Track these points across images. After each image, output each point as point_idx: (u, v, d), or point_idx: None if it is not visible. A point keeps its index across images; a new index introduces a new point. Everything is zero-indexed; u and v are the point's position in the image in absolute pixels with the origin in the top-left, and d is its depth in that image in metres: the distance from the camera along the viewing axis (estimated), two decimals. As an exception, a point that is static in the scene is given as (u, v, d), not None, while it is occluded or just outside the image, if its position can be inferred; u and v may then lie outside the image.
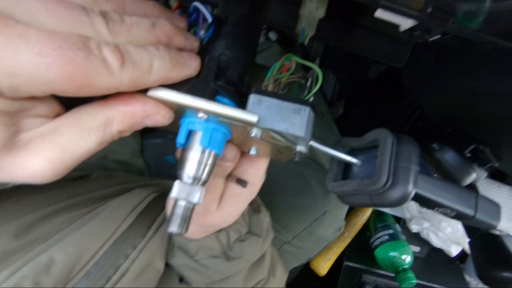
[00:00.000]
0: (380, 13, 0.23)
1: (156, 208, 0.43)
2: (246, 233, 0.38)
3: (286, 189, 0.61)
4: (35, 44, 0.14)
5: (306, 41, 0.32)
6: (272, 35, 0.98)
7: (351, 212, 0.90)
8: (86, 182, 0.47)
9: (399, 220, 0.92)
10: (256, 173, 0.31)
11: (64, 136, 0.17)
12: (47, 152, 0.17)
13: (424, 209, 0.83)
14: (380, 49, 0.40)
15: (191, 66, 0.21)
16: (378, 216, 0.90)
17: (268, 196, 0.58)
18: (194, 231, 0.35)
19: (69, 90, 0.15)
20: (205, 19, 0.28)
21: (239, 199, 0.32)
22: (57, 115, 0.18)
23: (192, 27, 0.29)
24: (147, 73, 0.18)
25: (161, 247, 0.38)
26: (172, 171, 0.65)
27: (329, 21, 0.34)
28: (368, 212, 0.90)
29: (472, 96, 0.33)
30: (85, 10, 0.16)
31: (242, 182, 0.30)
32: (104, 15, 0.17)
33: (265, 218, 0.41)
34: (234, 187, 0.31)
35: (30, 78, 0.14)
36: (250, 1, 0.26)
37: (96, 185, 0.46)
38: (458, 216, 0.26)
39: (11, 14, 0.14)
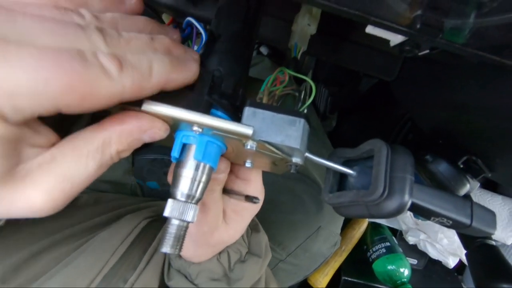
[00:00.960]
0: (370, 29, 0.24)
1: (148, 235, 0.42)
2: (246, 254, 0.38)
3: (278, 206, 0.60)
4: (31, 61, 0.14)
5: (299, 56, 0.33)
6: (264, 50, 1.00)
7: (347, 225, 0.89)
8: (75, 211, 0.46)
9: (395, 232, 0.91)
10: (257, 186, 0.30)
11: (62, 164, 0.17)
12: (46, 183, 0.16)
13: (420, 221, 0.83)
14: (371, 63, 0.41)
15: (191, 69, 0.21)
16: (374, 229, 0.90)
17: (260, 213, 0.57)
18: (202, 253, 0.34)
19: (73, 103, 0.15)
20: (198, 34, 0.28)
21: (244, 214, 0.32)
22: (53, 145, 0.17)
23: (185, 42, 0.29)
24: (147, 75, 0.17)
25: (154, 278, 0.37)
26: (164, 186, 0.64)
27: (321, 36, 0.35)
28: (364, 224, 0.89)
29: (463, 109, 0.33)
30: (82, 27, 0.16)
31: (252, 199, 0.30)
32: (101, 30, 0.17)
33: (263, 237, 0.40)
34: (236, 203, 0.31)
35: (31, 96, 0.14)
36: (243, 17, 0.27)
37: (85, 214, 0.45)
38: (455, 225, 0.25)
39: (6, 36, 0.14)
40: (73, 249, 0.38)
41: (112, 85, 0.16)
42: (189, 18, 0.28)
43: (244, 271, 0.35)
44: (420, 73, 0.42)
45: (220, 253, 0.35)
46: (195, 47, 0.27)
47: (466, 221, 0.25)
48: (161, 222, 0.47)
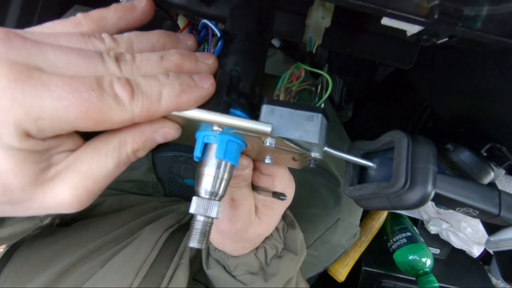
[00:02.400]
0: (386, 21, 0.24)
1: (170, 250, 0.43)
2: (282, 249, 0.39)
3: (296, 199, 0.61)
4: (55, 90, 0.16)
5: (314, 50, 0.33)
6: (276, 42, 0.99)
7: (367, 215, 0.88)
8: (98, 222, 0.48)
9: (416, 221, 0.90)
10: (283, 181, 0.31)
11: (84, 164, 0.19)
12: (71, 180, 0.18)
13: (442, 210, 0.81)
14: (387, 53, 0.40)
15: (203, 87, 0.21)
16: (394, 219, 0.89)
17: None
18: (240, 248, 0.36)
19: (88, 126, 0.17)
20: (214, 35, 0.29)
21: (275, 207, 0.33)
22: (79, 147, 0.20)
23: (201, 44, 0.30)
24: (157, 102, 0.19)
25: None
26: (185, 184, 0.66)
27: (335, 29, 0.34)
28: (384, 215, 0.88)
29: (484, 96, 0.32)
30: (101, 57, 0.18)
31: (279, 195, 0.31)
32: (117, 58, 0.19)
33: (299, 234, 0.41)
34: (266, 198, 0.32)
35: (52, 120, 0.17)
36: (257, 17, 0.27)
37: (108, 224, 0.46)
38: (482, 215, 0.25)
39: (37, 65, 0.17)
40: (97, 265, 0.40)
41: (124, 113, 0.18)
42: (205, 20, 0.28)
43: (280, 267, 0.37)
44: (438, 60, 0.40)
45: (257, 248, 0.36)
46: (212, 49, 0.27)
47: (494, 210, 0.24)
48: (182, 232, 0.48)
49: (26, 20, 0.57)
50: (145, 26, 0.37)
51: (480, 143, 0.37)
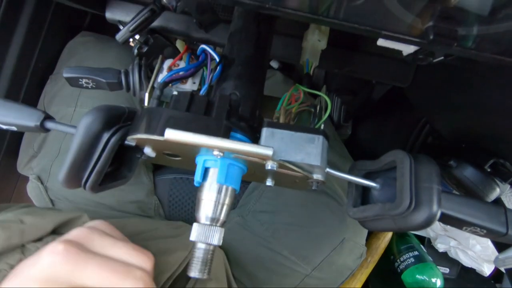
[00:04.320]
0: (382, 42, 0.24)
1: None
2: None
3: (300, 219, 0.60)
4: None
5: (311, 72, 0.33)
6: (274, 64, 1.01)
7: (372, 234, 0.86)
8: None
9: (423, 239, 0.87)
10: None
11: None
12: None
13: (449, 226, 0.80)
14: (384, 72, 0.41)
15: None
16: (400, 237, 0.86)
17: (282, 228, 0.56)
18: None
19: None
20: (212, 60, 0.29)
21: None
22: None
23: (200, 68, 0.30)
24: None
25: None
26: (185, 207, 0.65)
27: (332, 50, 0.35)
28: (389, 233, 0.86)
29: (484, 111, 0.32)
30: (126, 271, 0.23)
31: None
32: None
33: None
34: None
35: None
36: (255, 41, 0.28)
37: None
38: (489, 234, 0.24)
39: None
40: None
41: None
42: (203, 46, 0.29)
43: None
44: (435, 77, 0.41)
45: None
46: (210, 74, 0.28)
47: (502, 229, 0.24)
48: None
49: (30, 47, 0.59)
50: (147, 52, 0.38)
51: (483, 159, 0.36)
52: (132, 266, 0.24)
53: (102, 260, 0.23)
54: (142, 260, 0.24)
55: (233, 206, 0.25)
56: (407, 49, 0.26)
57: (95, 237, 0.25)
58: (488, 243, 0.76)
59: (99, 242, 0.24)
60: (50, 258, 0.22)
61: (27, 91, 0.61)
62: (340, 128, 0.94)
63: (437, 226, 0.82)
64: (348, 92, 0.85)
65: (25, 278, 0.21)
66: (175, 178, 0.67)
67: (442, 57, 0.27)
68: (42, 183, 0.53)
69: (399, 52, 0.29)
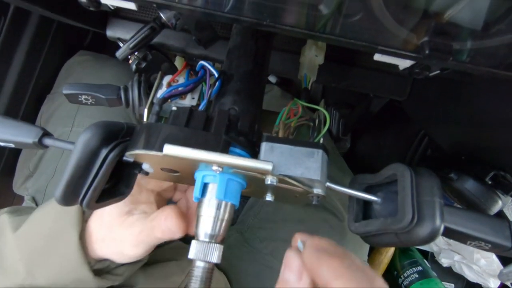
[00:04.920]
0: (378, 57, 0.25)
1: None
2: None
3: None
4: None
5: (309, 86, 0.33)
6: (272, 78, 1.02)
7: (374, 250, 0.85)
8: None
9: (426, 254, 0.86)
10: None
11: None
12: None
13: (452, 240, 0.78)
14: (381, 85, 0.41)
15: None
16: (403, 252, 0.85)
17: (282, 245, 0.55)
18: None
19: None
20: (211, 76, 0.30)
21: None
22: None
23: (199, 84, 0.30)
24: None
25: None
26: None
27: (329, 65, 0.36)
28: (392, 248, 0.85)
29: (482, 123, 0.33)
30: None
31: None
32: None
33: None
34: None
35: None
36: (253, 57, 0.28)
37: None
38: (494, 248, 0.24)
39: None
40: None
41: None
42: (202, 62, 0.29)
43: None
44: (432, 91, 0.41)
45: None
46: (209, 89, 0.28)
47: (507, 243, 0.23)
48: None
49: (31, 65, 0.59)
50: (146, 68, 0.38)
51: (484, 171, 0.36)
52: None
53: None
54: None
55: (232, 222, 0.25)
56: (404, 63, 0.26)
57: None
58: (492, 257, 0.74)
59: None
60: None
61: (27, 108, 0.61)
62: (339, 141, 0.94)
63: (441, 240, 0.81)
64: (346, 106, 0.86)
65: None
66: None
67: (438, 71, 0.27)
68: (36, 204, 0.52)
69: (396, 66, 0.29)
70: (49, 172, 0.52)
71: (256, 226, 0.57)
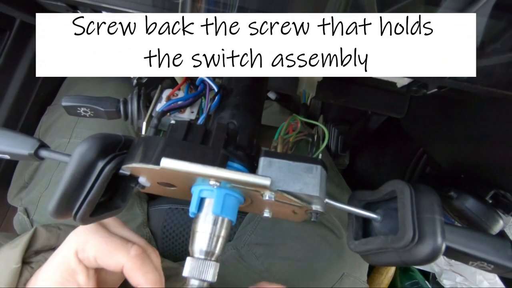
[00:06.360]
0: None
1: None
2: None
3: (296, 253, 0.57)
4: None
5: (308, 102, 0.34)
6: (272, 95, 1.04)
7: (374, 270, 0.83)
8: None
9: (427, 275, 0.84)
10: None
11: None
12: None
13: (453, 261, 0.77)
14: (379, 103, 0.41)
15: None
16: (404, 273, 0.83)
17: (278, 262, 0.54)
18: None
19: None
20: (211, 90, 0.30)
21: None
22: None
23: (198, 98, 0.31)
24: None
25: None
26: (179, 239, 0.63)
27: (328, 82, 0.36)
28: (392, 269, 0.83)
29: (481, 142, 0.33)
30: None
31: None
32: None
33: None
34: None
35: None
36: (253, 72, 0.28)
37: None
38: (496, 269, 0.23)
39: None
40: None
41: None
42: (202, 76, 0.29)
43: None
44: (430, 108, 0.42)
45: None
46: (209, 104, 0.28)
47: (509, 264, 0.23)
48: None
49: (33, 77, 0.60)
50: (147, 83, 0.38)
51: (483, 190, 0.36)
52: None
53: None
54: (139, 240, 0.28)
55: (229, 238, 0.24)
56: (401, 81, 0.27)
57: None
58: (496, 279, 0.73)
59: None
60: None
61: (26, 120, 0.61)
62: (337, 158, 0.94)
63: (442, 260, 0.79)
64: (344, 122, 0.86)
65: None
66: (170, 208, 0.65)
67: (435, 89, 0.28)
68: (28, 216, 0.51)
69: (394, 84, 0.29)
70: (43, 183, 0.52)
71: (252, 242, 0.56)
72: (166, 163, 0.21)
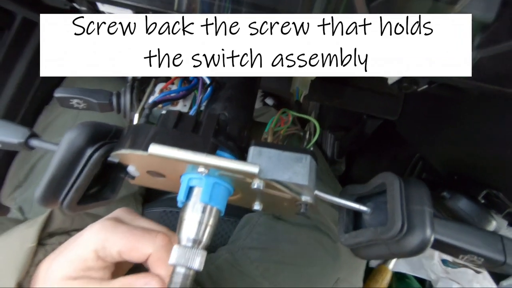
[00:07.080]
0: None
1: None
2: None
3: (291, 257, 0.56)
4: None
5: (301, 99, 0.34)
6: (269, 101, 1.04)
7: (369, 277, 0.82)
8: None
9: (423, 282, 0.83)
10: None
11: None
12: None
13: (450, 269, 0.76)
14: (372, 104, 0.42)
15: None
16: (400, 280, 0.82)
17: (273, 267, 0.53)
18: None
19: None
20: (204, 84, 0.30)
21: None
22: None
23: (191, 91, 0.31)
24: None
25: None
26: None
27: (321, 83, 0.37)
28: (388, 276, 0.82)
29: (473, 142, 0.33)
30: None
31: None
32: None
33: None
34: None
35: None
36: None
37: None
38: (487, 263, 0.23)
39: None
40: None
41: None
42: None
43: None
44: (423, 110, 0.42)
45: None
46: (201, 96, 0.28)
47: (500, 257, 0.23)
48: None
49: (31, 77, 0.60)
50: (141, 79, 0.39)
51: (476, 190, 0.36)
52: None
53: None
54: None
55: (216, 227, 0.24)
56: (392, 76, 0.27)
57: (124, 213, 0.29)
58: (491, 285, 0.72)
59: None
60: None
61: (23, 120, 0.61)
62: (334, 164, 0.94)
63: (438, 268, 0.78)
64: (340, 128, 0.87)
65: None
66: (165, 211, 0.64)
67: (426, 85, 0.28)
68: (23, 214, 0.51)
69: (386, 84, 0.30)
70: (39, 182, 0.52)
71: (247, 246, 0.55)
72: (155, 149, 0.21)
